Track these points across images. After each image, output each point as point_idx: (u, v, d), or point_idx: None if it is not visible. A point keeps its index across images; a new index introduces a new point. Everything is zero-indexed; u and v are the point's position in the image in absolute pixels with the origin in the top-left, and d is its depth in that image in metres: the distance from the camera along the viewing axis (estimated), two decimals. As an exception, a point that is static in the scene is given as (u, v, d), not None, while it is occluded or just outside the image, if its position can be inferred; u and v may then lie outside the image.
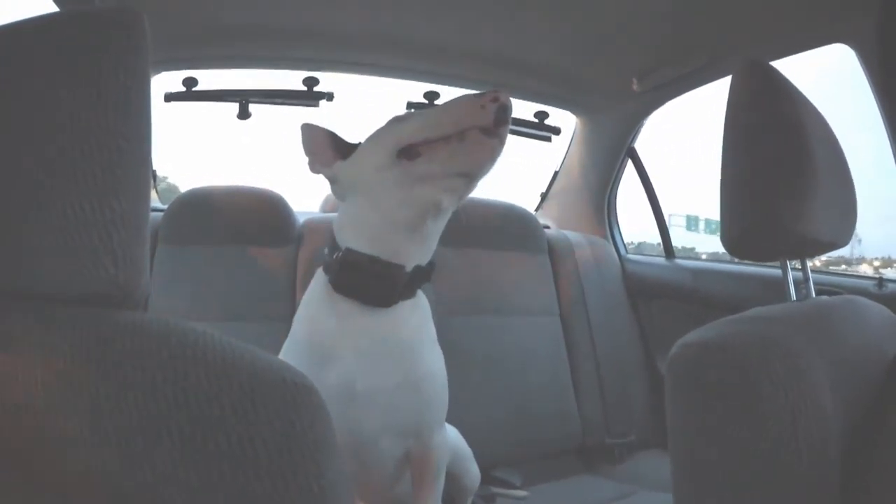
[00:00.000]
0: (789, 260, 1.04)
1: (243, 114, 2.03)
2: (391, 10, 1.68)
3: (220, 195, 1.88)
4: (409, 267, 1.09)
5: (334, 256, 1.10)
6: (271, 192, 1.92)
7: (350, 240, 1.09)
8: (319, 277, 1.14)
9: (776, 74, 0.88)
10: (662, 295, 2.21)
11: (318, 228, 1.90)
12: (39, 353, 0.44)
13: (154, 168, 2.25)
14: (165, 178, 2.43)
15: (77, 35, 0.49)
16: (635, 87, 1.96)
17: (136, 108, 0.49)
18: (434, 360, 1.17)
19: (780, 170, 0.83)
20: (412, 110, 1.17)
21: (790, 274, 1.04)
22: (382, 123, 1.11)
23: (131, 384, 0.43)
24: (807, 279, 1.06)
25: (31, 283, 0.46)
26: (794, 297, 1.05)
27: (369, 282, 1.07)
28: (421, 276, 1.12)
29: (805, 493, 0.64)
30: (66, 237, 0.45)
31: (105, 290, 0.47)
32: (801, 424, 0.64)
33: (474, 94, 1.00)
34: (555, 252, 2.17)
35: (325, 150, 1.17)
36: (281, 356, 1.10)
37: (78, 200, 0.46)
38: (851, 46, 1.38)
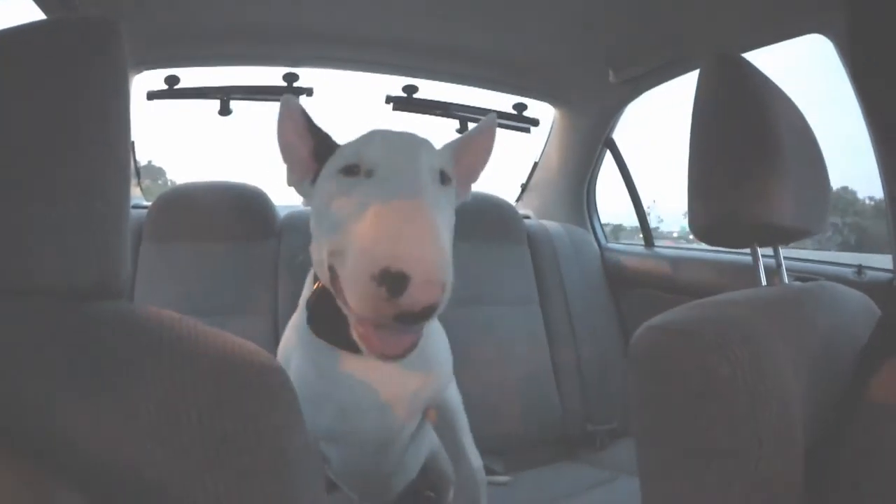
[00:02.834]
0: (761, 247, 1.07)
1: (224, 110, 2.05)
2: (369, 6, 1.69)
3: (202, 191, 1.89)
4: None
5: (314, 288, 0.99)
6: (252, 187, 1.94)
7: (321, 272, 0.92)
8: (301, 309, 1.05)
9: (744, 65, 0.90)
10: (641, 283, 2.23)
11: (300, 222, 1.91)
12: (29, 344, 0.46)
13: (139, 165, 2.26)
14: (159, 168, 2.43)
15: (57, 43, 0.51)
16: (611, 78, 1.98)
17: (116, 113, 0.52)
18: (439, 340, 1.16)
19: (747, 160, 0.85)
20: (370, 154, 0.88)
21: (761, 260, 1.06)
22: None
23: (112, 367, 0.46)
24: (779, 265, 1.08)
25: (17, 279, 0.48)
26: (764, 283, 1.07)
27: (343, 331, 0.86)
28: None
29: (767, 475, 0.65)
30: (52, 235, 0.48)
31: (88, 283, 0.50)
32: (761, 406, 0.65)
33: (375, 272, 0.67)
34: (534, 242, 2.19)
35: (302, 142, 1.03)
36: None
37: (63, 200, 0.48)
38: (828, 37, 1.39)
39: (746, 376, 0.66)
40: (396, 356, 0.78)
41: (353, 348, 0.85)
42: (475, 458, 1.25)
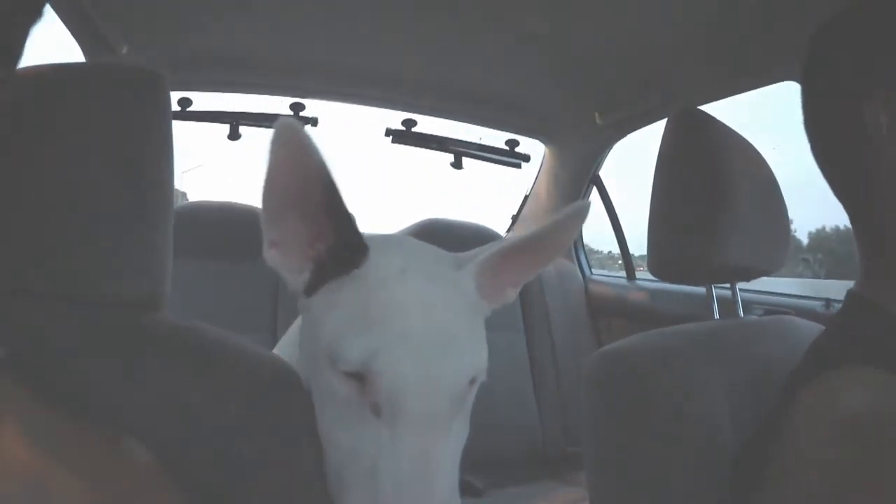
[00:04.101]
0: (718, 284, 1.17)
1: (233, 135, 2.11)
2: (372, 46, 1.77)
3: (208, 211, 1.96)
4: None
5: None
6: (257, 208, 2.00)
7: None
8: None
9: (705, 119, 0.97)
10: (622, 314, 2.31)
11: None
12: (90, 349, 0.57)
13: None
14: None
15: (112, 87, 0.61)
16: (598, 120, 2.06)
17: (163, 152, 0.63)
18: None
19: (702, 206, 0.92)
20: None
21: (714, 296, 1.16)
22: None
23: (167, 366, 0.57)
24: (735, 301, 1.17)
25: (82, 291, 0.58)
26: (717, 316, 1.18)
27: None
28: None
29: (694, 485, 0.73)
30: (111, 255, 0.58)
31: (144, 297, 0.60)
32: (687, 424, 0.74)
33: None
34: None
35: (309, 203, 0.60)
36: None
37: (121, 226, 0.59)
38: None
39: (676, 395, 0.75)
40: None
41: None
42: None
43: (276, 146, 0.56)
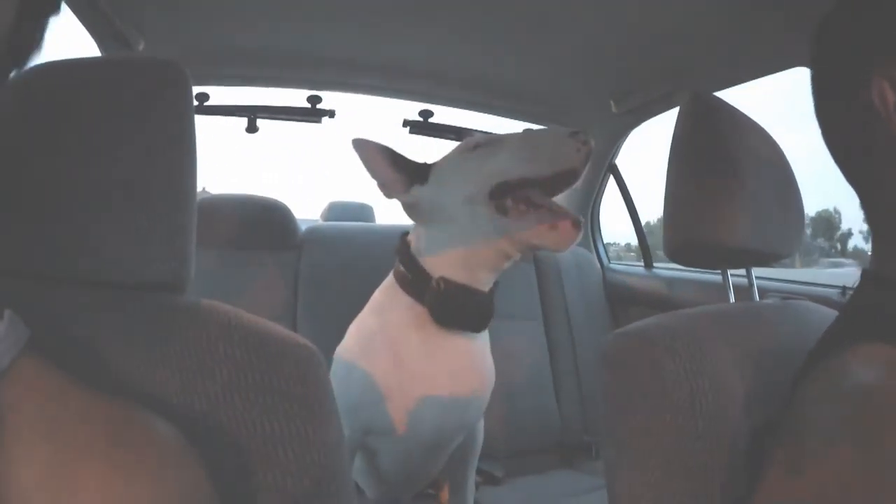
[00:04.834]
0: (733, 269, 1.17)
1: (251, 128, 2.13)
2: (388, 38, 1.79)
3: (229, 203, 1.99)
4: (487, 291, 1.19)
5: (433, 284, 1.14)
6: (276, 201, 2.03)
7: (441, 267, 1.15)
8: (400, 300, 1.19)
9: (718, 104, 0.97)
10: (640, 302, 2.31)
11: (319, 236, 2.04)
12: (114, 330, 0.59)
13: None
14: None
15: (134, 79, 0.63)
16: (613, 108, 2.06)
17: (188, 142, 0.64)
18: (493, 364, 1.29)
19: (715, 190, 0.92)
20: (491, 134, 1.30)
21: (730, 281, 1.16)
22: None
23: (191, 344, 0.59)
24: (751, 285, 1.17)
25: (107, 273, 0.60)
26: (732, 300, 1.18)
27: (468, 312, 1.16)
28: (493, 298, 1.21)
29: (706, 457, 0.73)
30: (136, 238, 0.60)
31: (168, 279, 0.62)
32: (699, 396, 0.74)
33: (567, 133, 1.07)
34: (540, 261, 2.27)
35: (386, 169, 1.19)
36: (348, 360, 1.20)
37: (145, 210, 0.61)
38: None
39: (688, 371, 0.75)
40: (573, 242, 1.09)
41: (471, 328, 1.18)
42: (471, 493, 1.39)
43: (360, 150, 1.19)
